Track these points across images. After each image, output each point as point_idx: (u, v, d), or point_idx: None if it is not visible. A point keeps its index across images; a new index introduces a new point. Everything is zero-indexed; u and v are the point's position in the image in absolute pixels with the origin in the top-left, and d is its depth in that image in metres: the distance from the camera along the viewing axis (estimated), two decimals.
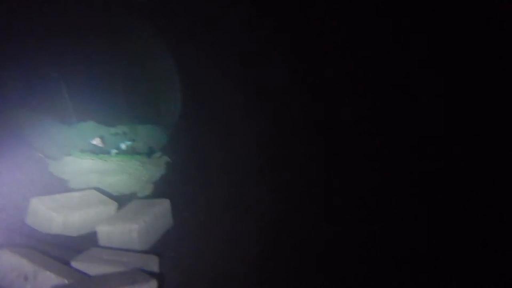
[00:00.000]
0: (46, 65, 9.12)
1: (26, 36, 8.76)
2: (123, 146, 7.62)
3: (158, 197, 6.05)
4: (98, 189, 6.01)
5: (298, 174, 4.72)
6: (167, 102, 9.43)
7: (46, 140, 8.03)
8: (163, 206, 5.01)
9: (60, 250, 3.93)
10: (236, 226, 5.24)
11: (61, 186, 6.15)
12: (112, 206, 5.10)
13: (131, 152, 7.84)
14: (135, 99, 10.56)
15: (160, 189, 6.37)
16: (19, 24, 8.03)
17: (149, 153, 8.22)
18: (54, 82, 9.30)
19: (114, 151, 7.71)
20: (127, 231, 4.36)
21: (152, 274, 3.36)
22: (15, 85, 8.78)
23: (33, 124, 8.25)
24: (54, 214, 4.42)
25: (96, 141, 7.41)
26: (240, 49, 5.87)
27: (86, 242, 4.43)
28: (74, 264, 3.64)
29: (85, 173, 6.59)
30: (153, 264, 3.88)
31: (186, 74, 8.01)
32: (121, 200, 5.90)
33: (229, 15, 5.67)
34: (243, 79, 6.16)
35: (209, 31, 6.55)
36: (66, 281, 3.11)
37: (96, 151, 7.67)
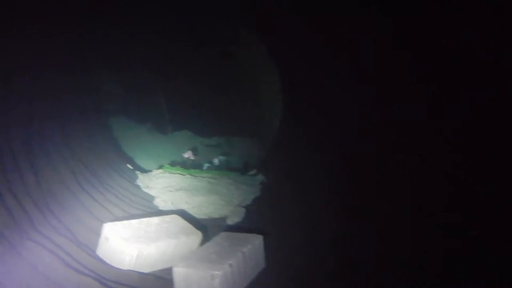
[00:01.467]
0: (144, 72, 8.87)
1: (127, 43, 8.58)
2: (216, 161, 6.88)
3: (249, 225, 5.15)
4: (183, 212, 5.30)
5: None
6: (267, 115, 8.56)
7: (138, 149, 7.66)
8: (255, 244, 4.02)
9: None
10: (342, 271, 4.01)
11: (145, 204, 5.54)
12: (196, 237, 4.26)
13: (224, 167, 7.06)
14: (234, 109, 9.93)
15: (252, 216, 5.43)
16: (122, 31, 7.81)
17: (243, 169, 7.39)
18: (152, 89, 9.01)
19: (206, 165, 7.01)
20: (209, 277, 3.44)
21: None
22: (113, 90, 8.62)
23: (127, 132, 7.97)
24: (127, 247, 3.68)
25: (188, 154, 6.77)
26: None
27: (159, 284, 3.61)
28: None
29: (173, 190, 5.93)
30: None
31: (291, 89, 7.02)
32: (208, 226, 5.09)
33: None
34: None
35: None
36: None
37: (187, 165, 7.04)
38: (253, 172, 7.02)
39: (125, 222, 4.04)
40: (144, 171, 6.75)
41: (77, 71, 5.39)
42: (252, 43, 8.45)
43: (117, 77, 8.83)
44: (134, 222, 4.10)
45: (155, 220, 4.30)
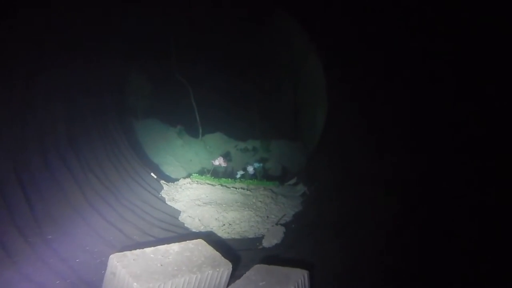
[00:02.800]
0: (175, 70, 8.18)
1: (158, 37, 7.92)
2: (250, 169, 6.03)
3: (290, 250, 4.28)
4: (210, 233, 4.51)
5: None
6: (310, 115, 7.67)
7: (166, 155, 6.95)
8: (298, 283, 3.14)
9: None
10: None
11: (169, 221, 4.79)
12: (225, 269, 3.42)
13: (260, 175, 6.21)
14: (272, 109, 9.07)
15: (293, 237, 4.57)
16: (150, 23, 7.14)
17: (282, 177, 6.52)
18: (183, 89, 8.31)
19: (240, 173, 6.19)
20: None
21: None
22: (141, 90, 7.98)
23: (154, 135, 7.29)
24: (136, 285, 2.89)
25: (219, 161, 5.97)
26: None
27: None
28: None
29: (202, 204, 5.15)
30: None
31: (338, 85, 6.12)
32: (240, 250, 4.26)
33: None
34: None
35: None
36: None
37: (219, 173, 6.25)
38: (293, 181, 6.14)
39: (138, 251, 3.26)
40: (170, 180, 6.03)
41: (95, 65, 4.68)
42: (293, 31, 7.58)
43: (145, 76, 8.18)
44: (148, 251, 3.32)
45: (175, 247, 3.50)
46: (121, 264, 3.05)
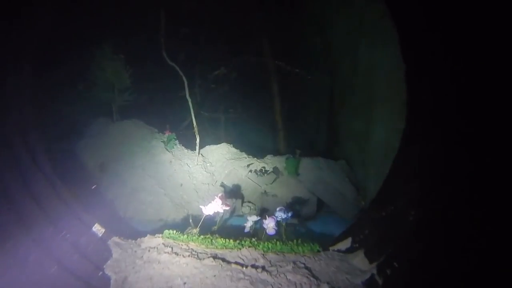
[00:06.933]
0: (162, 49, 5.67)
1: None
2: (271, 225, 3.43)
3: None
4: None
5: None
6: (360, 119, 5.22)
7: (142, 178, 4.51)
8: None
9: None
10: None
11: None
12: None
13: (289, 234, 3.61)
14: (302, 110, 6.52)
15: None
16: None
17: (326, 234, 3.93)
18: (175, 78, 5.78)
19: (252, 220, 3.65)
20: None
21: None
22: (119, 78, 5.56)
23: (129, 142, 4.90)
24: None
25: (216, 206, 3.41)
26: None
27: None
28: None
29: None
30: None
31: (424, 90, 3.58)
32: None
33: None
34: None
35: None
36: None
37: (213, 222, 3.71)
38: (345, 244, 3.50)
39: None
40: (130, 238, 3.50)
41: None
42: None
43: (122, 58, 5.69)
44: None
45: None
46: None
